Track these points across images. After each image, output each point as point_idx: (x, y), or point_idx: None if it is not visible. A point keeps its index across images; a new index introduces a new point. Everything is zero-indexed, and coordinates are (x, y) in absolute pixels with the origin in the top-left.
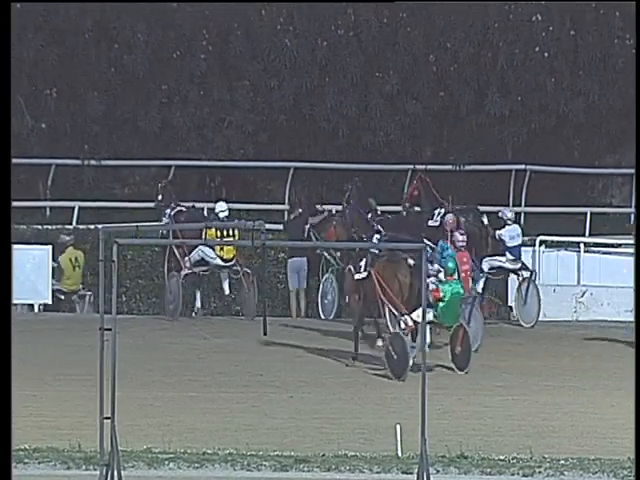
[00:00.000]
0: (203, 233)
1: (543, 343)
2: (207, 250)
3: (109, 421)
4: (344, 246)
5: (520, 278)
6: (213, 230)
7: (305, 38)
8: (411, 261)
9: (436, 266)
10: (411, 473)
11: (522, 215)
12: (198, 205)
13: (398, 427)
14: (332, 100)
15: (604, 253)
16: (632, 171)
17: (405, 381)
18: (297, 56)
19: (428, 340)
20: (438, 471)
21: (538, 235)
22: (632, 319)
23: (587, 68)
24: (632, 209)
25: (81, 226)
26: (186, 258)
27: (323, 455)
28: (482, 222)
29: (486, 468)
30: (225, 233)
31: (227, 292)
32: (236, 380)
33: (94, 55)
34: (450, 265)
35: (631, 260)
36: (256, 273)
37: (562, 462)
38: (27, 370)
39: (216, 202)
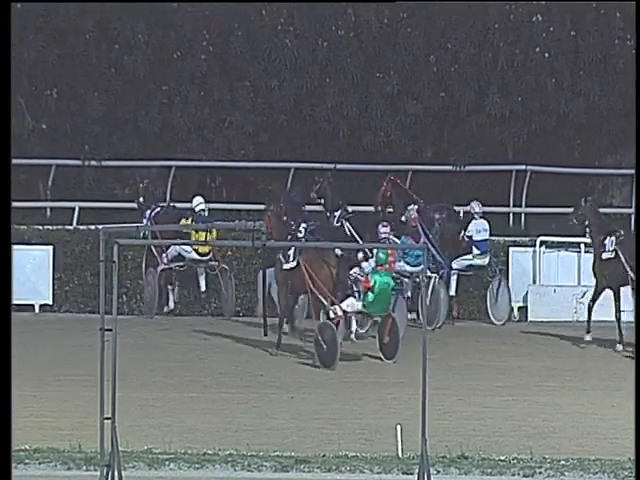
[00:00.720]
0: (192, 232)
1: (543, 344)
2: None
3: (109, 421)
4: (345, 246)
5: (490, 275)
6: (190, 221)
7: (305, 38)
8: (338, 251)
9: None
10: (412, 473)
11: (522, 215)
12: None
13: (398, 427)
14: (332, 100)
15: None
16: (632, 171)
17: (335, 370)
18: (298, 56)
19: (353, 329)
20: (438, 471)
21: (538, 235)
22: (632, 319)
23: (588, 68)
24: (632, 209)
25: (81, 226)
26: (164, 255)
27: (324, 456)
28: (458, 219)
29: (486, 468)
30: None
31: (203, 289)
32: (237, 380)
33: (94, 56)
34: (381, 256)
35: None
36: (234, 270)
37: (562, 463)
38: (27, 370)
39: (193, 197)
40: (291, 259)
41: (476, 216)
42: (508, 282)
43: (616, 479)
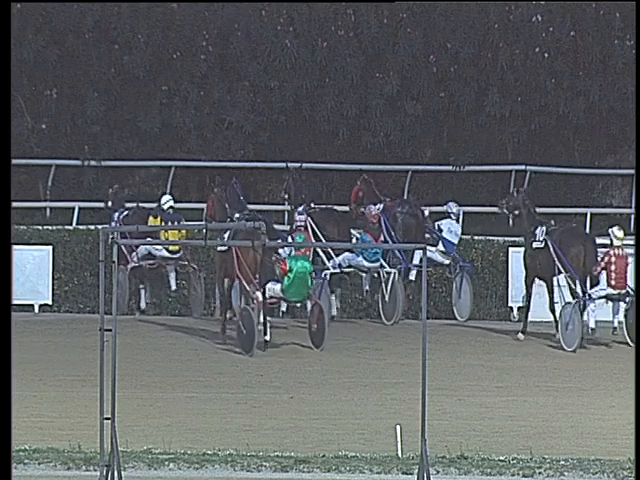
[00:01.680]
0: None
1: (543, 344)
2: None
3: (109, 421)
4: (344, 246)
5: (454, 272)
6: (158, 220)
7: (305, 39)
8: (265, 238)
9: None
10: (411, 474)
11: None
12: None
13: (398, 428)
14: (332, 101)
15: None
16: (632, 172)
17: (253, 357)
18: (297, 57)
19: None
20: (438, 472)
21: None
22: (631, 320)
23: (587, 69)
24: (632, 210)
25: (81, 227)
26: (133, 253)
27: (323, 456)
28: (422, 213)
29: (486, 469)
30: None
31: (174, 287)
32: (236, 381)
33: (94, 56)
34: (299, 240)
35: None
36: (204, 270)
37: (562, 463)
38: (27, 371)
39: (161, 195)
40: (225, 235)
41: (452, 215)
42: (470, 280)
43: (616, 479)
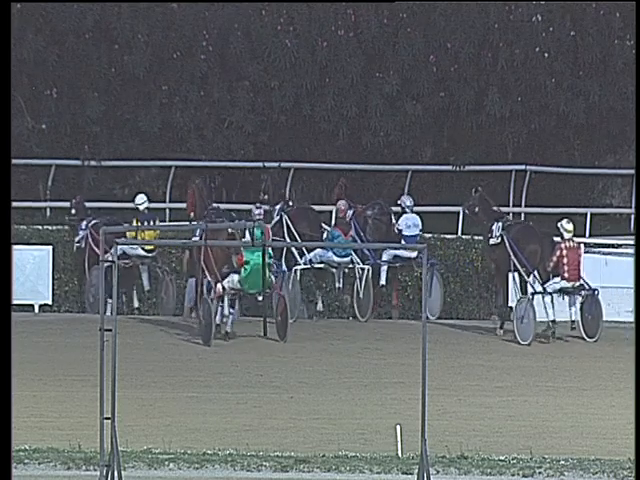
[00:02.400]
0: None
1: (543, 343)
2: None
3: (109, 421)
4: (345, 246)
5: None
6: (135, 221)
7: (305, 39)
8: (230, 230)
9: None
10: (411, 473)
11: (522, 215)
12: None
13: (398, 427)
14: (332, 100)
15: (604, 254)
16: (632, 172)
17: (211, 347)
18: (297, 56)
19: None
20: (438, 472)
21: None
22: (632, 319)
23: (587, 69)
24: (632, 210)
25: None
26: (107, 254)
27: (323, 456)
28: (390, 215)
29: (486, 468)
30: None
31: (147, 287)
32: (236, 380)
33: (94, 56)
34: (257, 233)
35: (631, 261)
36: (173, 272)
37: (562, 462)
38: (27, 370)
39: (136, 195)
40: (197, 233)
41: (407, 210)
42: (440, 277)
43: (616, 479)
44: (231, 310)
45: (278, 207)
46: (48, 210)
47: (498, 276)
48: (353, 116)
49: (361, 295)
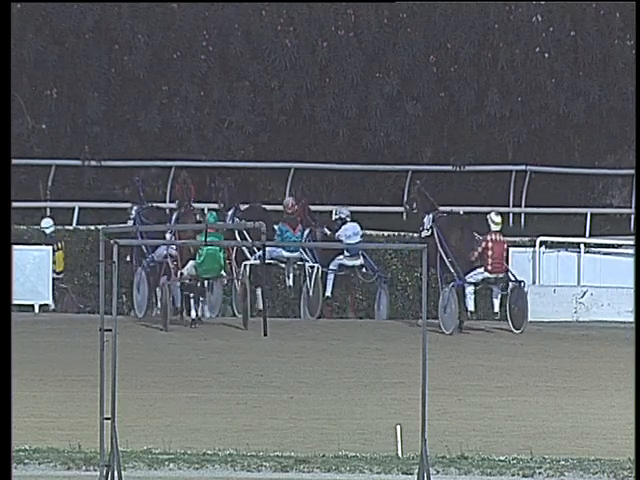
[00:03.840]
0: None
1: (543, 344)
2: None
3: (109, 422)
4: (344, 246)
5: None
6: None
7: (305, 39)
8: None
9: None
10: (411, 474)
11: (522, 215)
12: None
13: (398, 428)
14: (332, 101)
15: (604, 254)
16: (632, 172)
17: (167, 332)
18: (297, 57)
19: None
20: (438, 472)
21: (538, 236)
22: (632, 319)
23: (587, 69)
24: (632, 210)
25: (81, 226)
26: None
27: (323, 456)
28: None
29: (486, 469)
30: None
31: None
32: (236, 381)
33: (94, 56)
34: (210, 219)
35: (631, 261)
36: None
37: (562, 463)
38: (27, 370)
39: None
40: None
41: (347, 219)
42: (386, 285)
43: (616, 479)
44: (201, 298)
45: (231, 212)
46: (48, 210)
47: (434, 267)
48: (353, 116)
49: (311, 293)
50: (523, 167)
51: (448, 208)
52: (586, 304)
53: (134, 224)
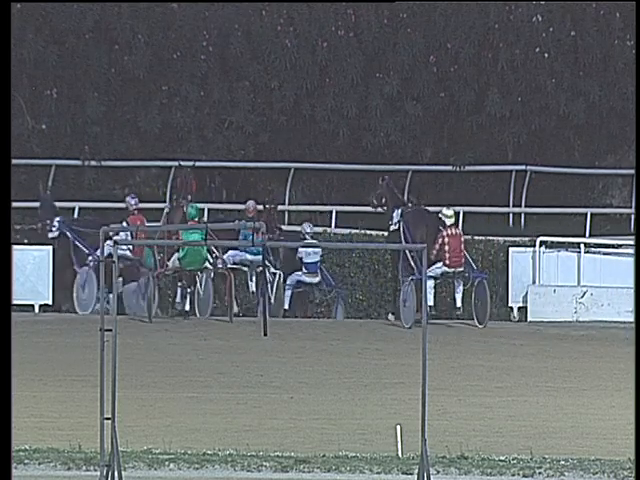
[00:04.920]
0: None
1: (543, 344)
2: None
3: (109, 422)
4: (345, 246)
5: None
6: None
7: (305, 39)
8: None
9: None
10: (411, 474)
11: (522, 215)
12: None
13: (398, 428)
14: (332, 101)
15: (604, 254)
16: (632, 172)
17: (152, 322)
18: (297, 57)
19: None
20: (438, 472)
21: (538, 236)
22: (632, 319)
23: (587, 69)
24: (632, 210)
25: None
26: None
27: (323, 456)
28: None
29: (486, 469)
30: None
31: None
32: (236, 381)
33: (94, 56)
34: (191, 211)
35: (631, 261)
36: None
37: (562, 463)
38: (27, 370)
39: None
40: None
41: (307, 236)
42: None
43: (616, 479)
44: (188, 290)
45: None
46: None
47: (397, 261)
48: (353, 116)
49: (272, 300)
50: (523, 167)
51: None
52: (586, 304)
53: (58, 235)
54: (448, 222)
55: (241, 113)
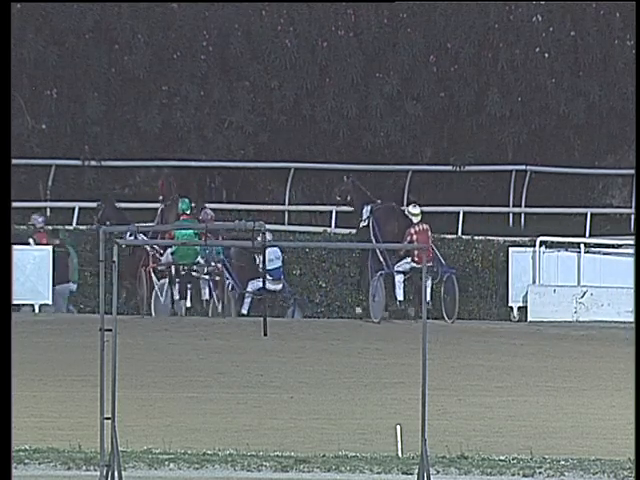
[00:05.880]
0: None
1: (543, 344)
2: None
3: (109, 421)
4: (346, 246)
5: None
6: None
7: (305, 39)
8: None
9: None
10: (411, 474)
11: (522, 215)
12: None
13: (398, 427)
14: (332, 101)
15: (604, 254)
16: (632, 172)
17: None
18: (297, 57)
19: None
20: (438, 472)
21: (538, 236)
22: (632, 319)
23: (587, 69)
24: (632, 210)
25: (81, 226)
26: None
27: (323, 456)
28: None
29: (486, 468)
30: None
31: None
32: (236, 380)
33: (94, 56)
34: (182, 206)
35: (631, 261)
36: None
37: (562, 463)
38: (27, 370)
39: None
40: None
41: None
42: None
43: (616, 479)
44: (188, 285)
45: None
46: (48, 210)
47: (366, 258)
48: (353, 116)
49: (219, 310)
50: (523, 167)
51: (437, 208)
52: (586, 304)
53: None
54: (415, 220)
55: (241, 113)
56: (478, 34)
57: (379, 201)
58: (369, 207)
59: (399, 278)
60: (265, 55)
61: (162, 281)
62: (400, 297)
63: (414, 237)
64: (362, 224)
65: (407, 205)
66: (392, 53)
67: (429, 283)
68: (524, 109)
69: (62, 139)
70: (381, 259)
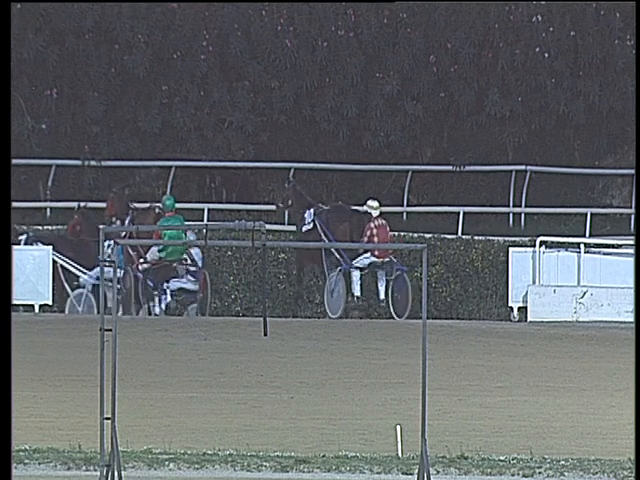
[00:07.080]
0: None
1: (543, 343)
2: None
3: (109, 421)
4: (346, 246)
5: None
6: None
7: (305, 39)
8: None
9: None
10: (411, 474)
11: (522, 215)
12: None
13: (398, 428)
14: (332, 101)
15: (604, 254)
16: (632, 172)
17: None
18: (297, 57)
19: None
20: (438, 472)
21: (538, 236)
22: (632, 319)
23: (587, 69)
24: (632, 210)
25: None
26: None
27: (323, 456)
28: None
29: (486, 468)
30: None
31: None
32: (236, 381)
33: (94, 56)
34: (167, 203)
35: (631, 261)
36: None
37: (562, 463)
38: (27, 371)
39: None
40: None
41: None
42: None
43: (616, 479)
44: (167, 285)
45: (308, 213)
46: (48, 210)
47: (322, 257)
48: (353, 116)
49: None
50: (523, 167)
51: (437, 208)
52: (586, 304)
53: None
54: (374, 213)
55: (241, 113)
56: (478, 34)
57: (321, 204)
58: (311, 210)
59: (357, 274)
60: (265, 55)
61: (77, 291)
62: (357, 293)
63: (374, 231)
64: (305, 228)
65: (365, 201)
66: (392, 53)
67: (384, 279)
68: (524, 109)
69: (62, 139)
70: (337, 256)
